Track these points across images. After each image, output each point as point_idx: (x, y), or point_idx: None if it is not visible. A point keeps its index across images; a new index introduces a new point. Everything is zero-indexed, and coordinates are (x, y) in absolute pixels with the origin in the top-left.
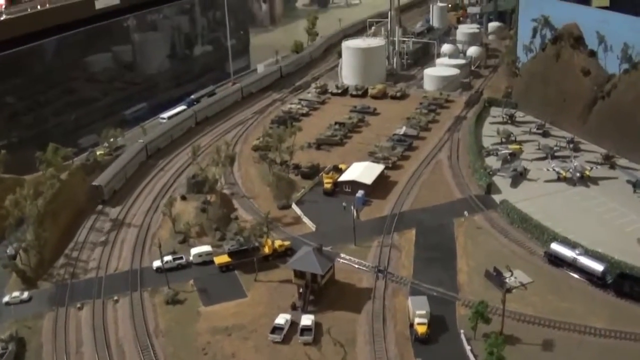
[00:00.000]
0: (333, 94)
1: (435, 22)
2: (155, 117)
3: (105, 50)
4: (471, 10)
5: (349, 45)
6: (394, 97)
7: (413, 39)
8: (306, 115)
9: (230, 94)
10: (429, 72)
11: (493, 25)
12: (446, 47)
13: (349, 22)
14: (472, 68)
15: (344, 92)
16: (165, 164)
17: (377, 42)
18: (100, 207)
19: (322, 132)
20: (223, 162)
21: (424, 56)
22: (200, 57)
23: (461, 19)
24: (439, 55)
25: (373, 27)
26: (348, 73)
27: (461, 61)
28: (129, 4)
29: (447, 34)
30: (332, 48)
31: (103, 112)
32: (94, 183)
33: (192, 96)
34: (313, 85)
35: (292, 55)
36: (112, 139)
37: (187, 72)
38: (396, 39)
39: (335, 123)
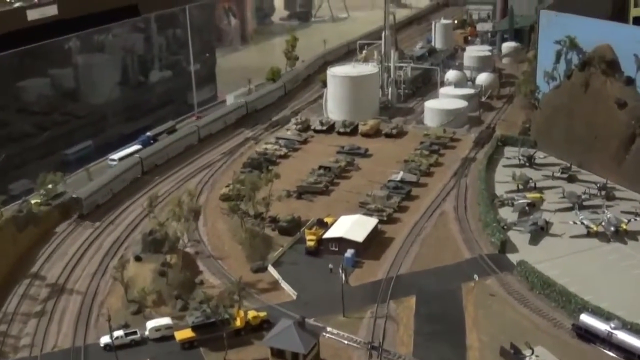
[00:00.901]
0: (316, 132)
1: (438, 43)
2: (104, 158)
3: (41, 74)
4: (481, 27)
5: (336, 72)
6: (389, 135)
7: (411, 65)
8: (285, 157)
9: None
10: (430, 104)
11: (508, 46)
12: (451, 74)
13: (336, 42)
14: (483, 99)
15: (330, 129)
16: (115, 217)
17: (368, 68)
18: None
19: (303, 179)
20: (186, 216)
21: (424, 85)
22: (157, 84)
23: (469, 38)
24: (442, 84)
25: (364, 51)
26: (334, 106)
27: (469, 91)
28: (69, 15)
29: (452, 58)
30: (314, 75)
31: (39, 151)
32: None
33: (149, 133)
34: (293, 120)
35: (268, 84)
36: (50, 185)
37: (142, 103)
38: (391, 64)
39: (320, 167)
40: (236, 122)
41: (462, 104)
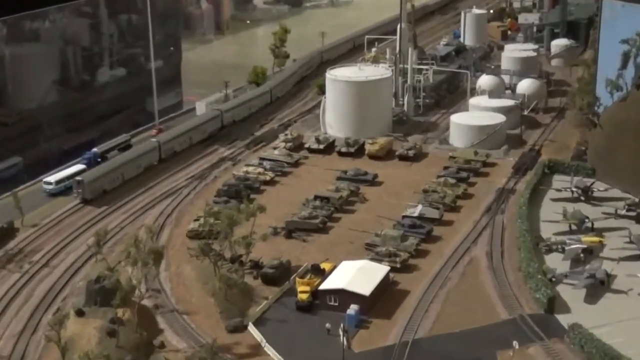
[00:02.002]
0: (311, 151)
1: (468, 39)
2: (36, 179)
3: None
4: (525, 20)
5: (337, 76)
6: (403, 158)
7: (434, 67)
8: (271, 183)
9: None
10: (458, 119)
11: (559, 44)
12: (485, 80)
13: (337, 34)
14: (526, 112)
15: (329, 148)
16: (51, 257)
17: (379, 71)
18: None
19: (294, 212)
20: (144, 259)
21: (450, 93)
22: (107, 86)
23: (509, 33)
24: (473, 93)
25: (373, 48)
26: (335, 119)
27: (508, 102)
28: None
29: (486, 58)
30: (309, 78)
31: None
32: None
33: (96, 149)
34: (281, 136)
35: (250, 88)
36: None
37: (87, 109)
38: (409, 66)
39: (315, 197)
40: (209, 137)
41: (499, 118)
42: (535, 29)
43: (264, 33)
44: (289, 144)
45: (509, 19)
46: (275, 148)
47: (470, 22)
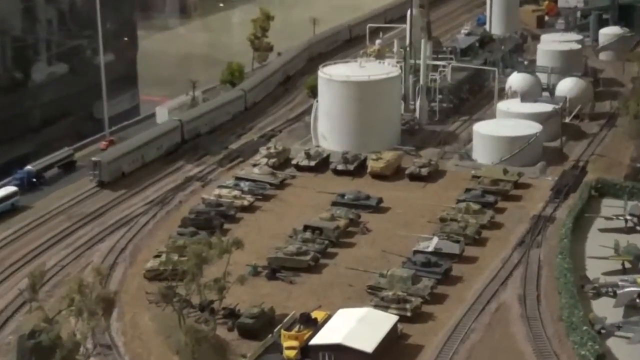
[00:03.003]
0: (300, 169)
1: (495, 27)
2: None
3: None
4: (566, 2)
5: (332, 74)
6: (415, 177)
7: (453, 62)
8: (250, 210)
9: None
10: (483, 128)
11: (609, 32)
12: (517, 79)
13: (332, 21)
14: (567, 120)
15: (321, 165)
16: None
17: (384, 69)
18: None
19: (279, 246)
20: (90, 308)
21: (473, 96)
22: (44, 86)
23: (547, 19)
24: (502, 96)
25: (378, 40)
26: (329, 129)
27: (546, 107)
28: None
29: (518, 52)
30: (297, 77)
31: None
32: None
33: (30, 166)
34: (263, 151)
35: (224, 89)
36: None
37: (19, 116)
38: (421, 62)
39: (305, 228)
40: (171, 151)
41: (535, 128)
42: (579, 14)
43: (241, 18)
44: (273, 160)
45: (546, 2)
46: (255, 165)
47: (498, 5)
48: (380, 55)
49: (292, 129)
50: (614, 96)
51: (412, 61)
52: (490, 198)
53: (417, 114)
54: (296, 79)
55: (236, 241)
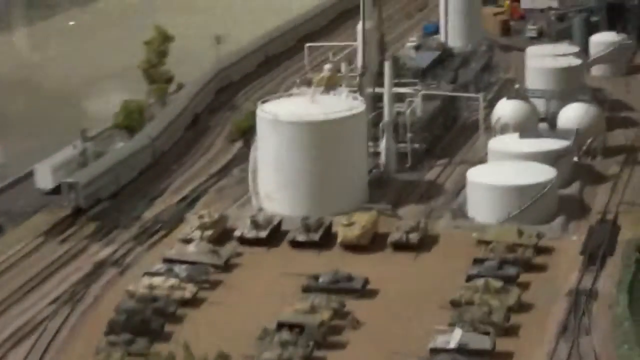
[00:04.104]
0: (246, 242)
1: (452, 38)
2: None
3: None
4: (531, 2)
5: (278, 113)
6: (401, 247)
7: (423, 90)
8: (194, 304)
9: None
10: (478, 176)
11: (602, 40)
12: (506, 108)
13: (240, 35)
14: (575, 158)
15: (273, 235)
16: None
17: (344, 102)
18: None
19: (248, 355)
20: None
21: (447, 131)
22: None
23: (511, 23)
24: (491, 131)
25: (326, 66)
26: (276, 186)
27: (556, 143)
28: None
29: (487, 69)
30: (206, 116)
31: None
32: None
33: None
34: (192, 219)
35: (120, 136)
36: None
37: None
38: (385, 91)
39: (280, 326)
40: (66, 223)
41: (546, 172)
42: (553, 17)
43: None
44: (208, 232)
45: (507, 1)
46: (187, 241)
47: (455, 8)
48: (331, 84)
49: (220, 187)
50: (624, 123)
51: (370, 90)
52: (511, 270)
53: (382, 159)
54: (207, 118)
55: (186, 349)
